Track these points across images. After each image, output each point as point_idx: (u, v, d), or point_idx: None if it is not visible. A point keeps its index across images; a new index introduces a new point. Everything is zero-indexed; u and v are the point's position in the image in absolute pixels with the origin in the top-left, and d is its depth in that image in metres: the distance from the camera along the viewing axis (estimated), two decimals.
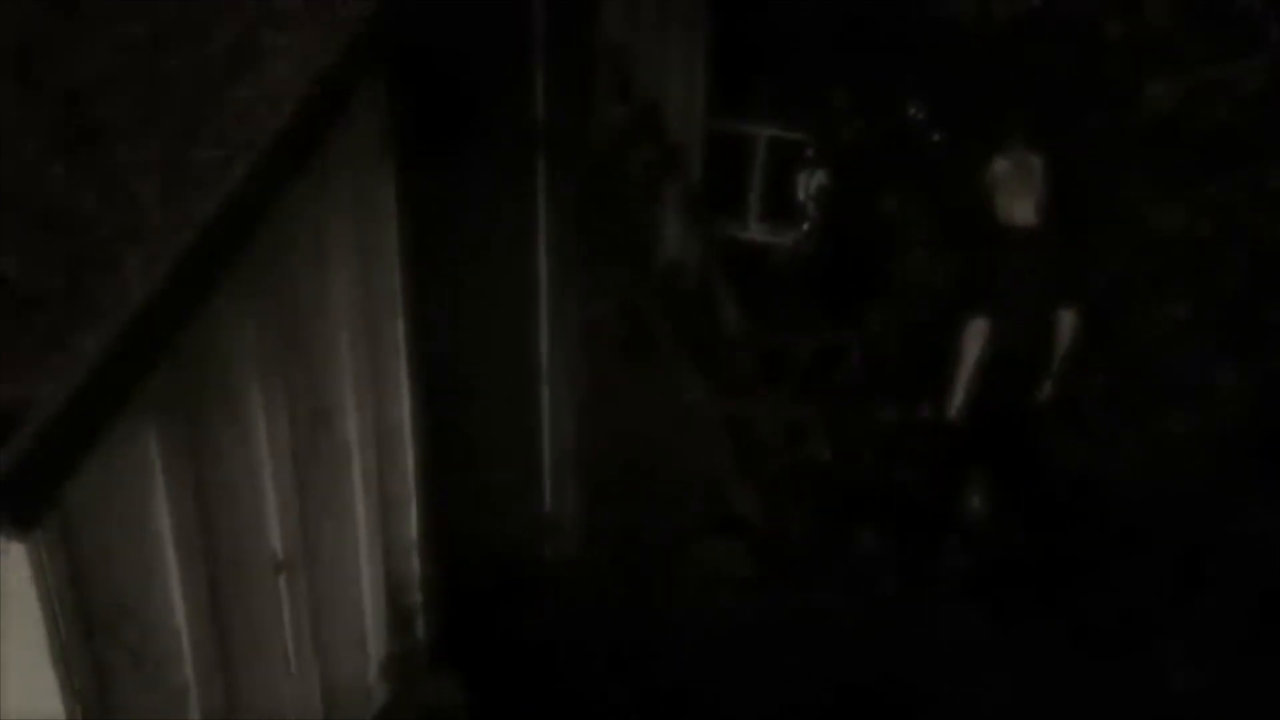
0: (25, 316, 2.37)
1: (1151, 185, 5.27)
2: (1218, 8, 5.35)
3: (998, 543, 4.83)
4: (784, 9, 5.60)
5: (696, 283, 5.33)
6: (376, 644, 3.81)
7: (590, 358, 4.64)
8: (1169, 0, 5.33)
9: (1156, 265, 5.17)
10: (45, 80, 2.68)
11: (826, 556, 4.81)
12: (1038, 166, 5.05)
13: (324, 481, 3.49)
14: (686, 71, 5.33)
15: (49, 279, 2.43)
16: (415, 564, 3.93)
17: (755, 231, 5.77)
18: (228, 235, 2.64)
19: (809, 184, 5.81)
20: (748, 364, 5.27)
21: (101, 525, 2.69)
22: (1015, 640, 4.43)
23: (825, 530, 4.90)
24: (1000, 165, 5.08)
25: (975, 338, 4.97)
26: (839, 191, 5.79)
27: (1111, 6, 5.38)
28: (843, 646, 4.39)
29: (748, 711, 4.20)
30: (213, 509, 3.05)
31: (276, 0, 2.83)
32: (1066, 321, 4.95)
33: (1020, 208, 5.01)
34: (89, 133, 2.59)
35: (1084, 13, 5.48)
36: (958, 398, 5.03)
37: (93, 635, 2.71)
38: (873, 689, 4.28)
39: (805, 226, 5.81)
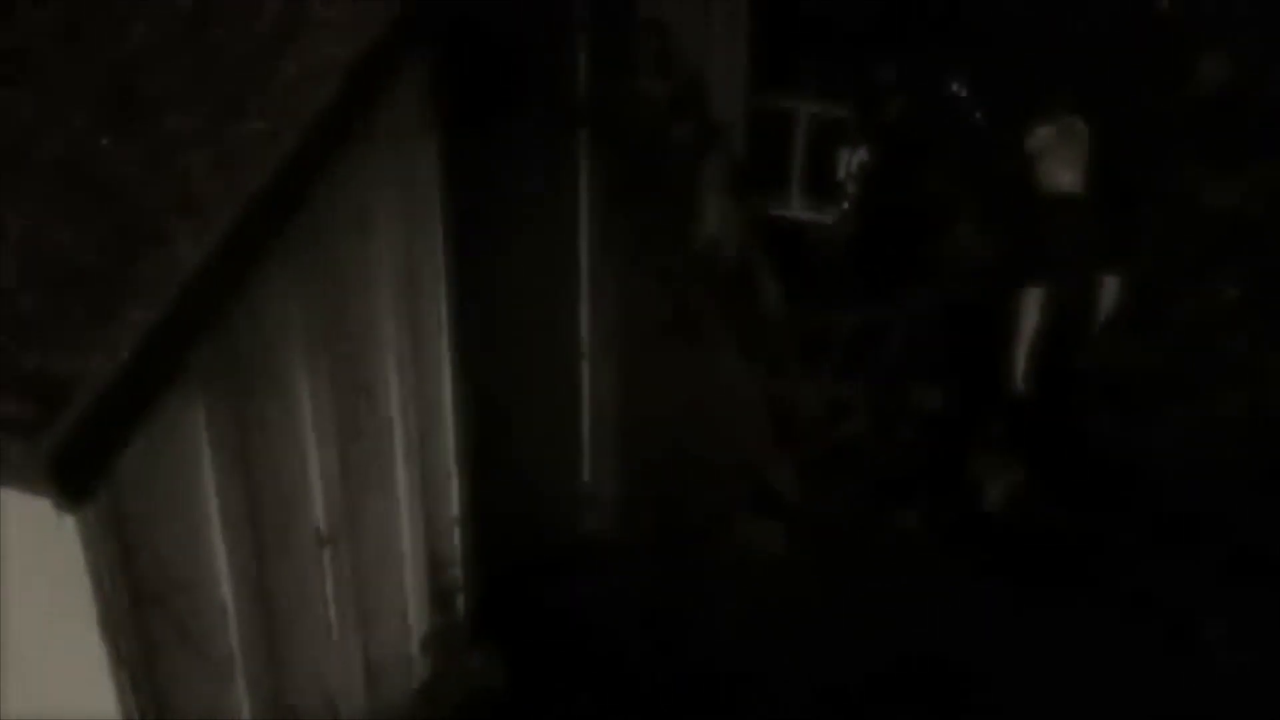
0: (77, 288, 2.38)
1: (1203, 162, 5.19)
2: None
3: (1041, 521, 4.79)
4: None
5: (737, 260, 5.29)
6: (418, 618, 3.83)
7: (630, 334, 4.63)
8: None
9: (1208, 243, 5.09)
10: (94, 52, 2.68)
11: (864, 535, 4.79)
12: (1083, 133, 4.91)
13: (366, 455, 3.50)
14: (729, 46, 5.28)
15: (100, 251, 2.43)
16: (456, 538, 3.94)
17: (797, 209, 5.71)
18: (275, 208, 2.64)
19: (850, 161, 5.75)
20: (788, 342, 5.23)
21: (149, 498, 2.71)
22: (1055, 620, 4.40)
23: (864, 509, 4.87)
24: (1045, 131, 4.93)
25: (1031, 307, 4.83)
26: (881, 168, 5.73)
27: None
28: (880, 625, 4.38)
29: (784, 688, 4.20)
30: (258, 482, 3.06)
31: None
32: (1111, 288, 4.85)
33: (1066, 174, 4.90)
34: (137, 105, 2.59)
35: None
36: (1019, 368, 4.91)
37: (140, 606, 2.74)
38: (910, 668, 4.27)
39: (846, 204, 5.76)
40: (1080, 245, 4.79)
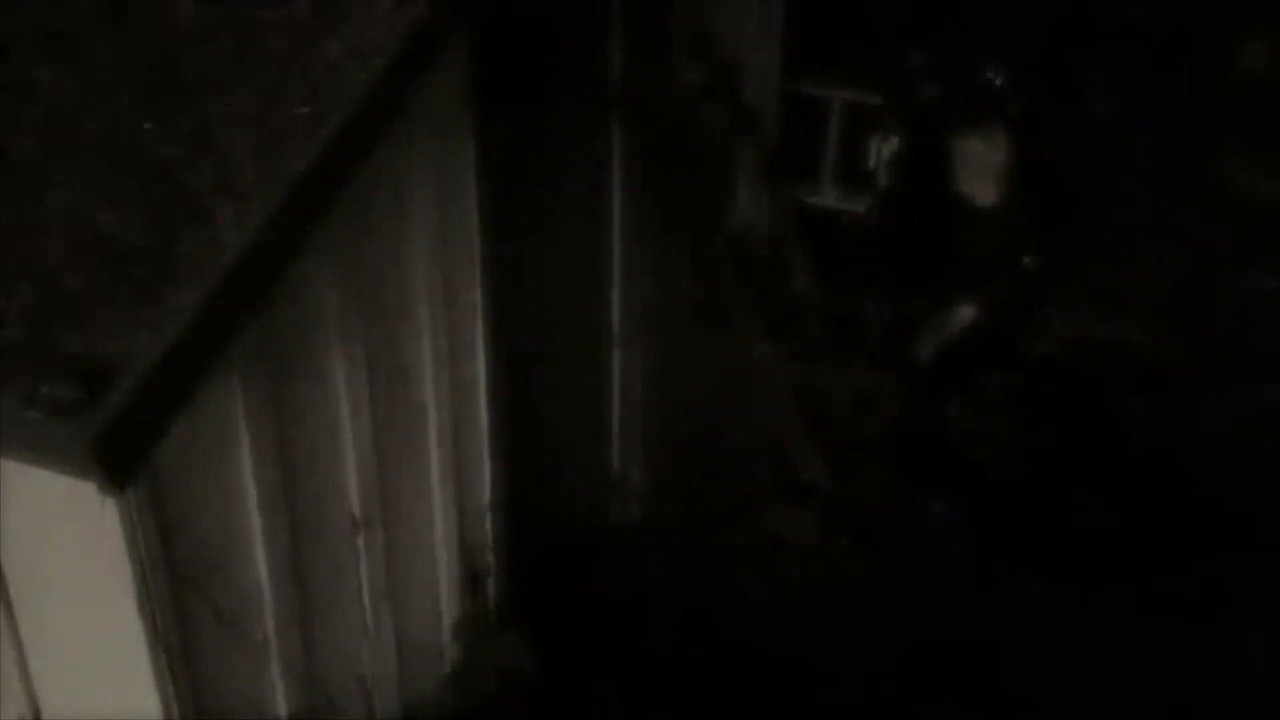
0: (121, 270, 2.38)
1: (1242, 151, 5.13)
2: None
3: (1073, 512, 4.76)
4: None
5: (769, 246, 5.26)
6: (450, 603, 3.83)
7: (662, 320, 4.61)
8: None
9: (1246, 233, 5.05)
10: (137, 33, 2.67)
11: (896, 524, 4.77)
12: (1005, 144, 5.06)
13: (401, 441, 3.49)
14: (763, 32, 5.24)
15: (143, 233, 2.43)
16: (488, 524, 3.94)
17: (828, 197, 5.67)
18: (318, 191, 2.63)
19: (881, 149, 5.71)
20: (819, 330, 5.21)
21: (188, 481, 2.71)
22: (1088, 610, 4.37)
23: (894, 498, 4.85)
24: (970, 143, 5.08)
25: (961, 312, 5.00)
26: (913, 157, 5.68)
27: None
28: (910, 613, 4.37)
29: (814, 675, 4.19)
30: (294, 467, 3.06)
31: None
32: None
33: (987, 184, 5.01)
34: (181, 87, 2.58)
35: None
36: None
37: (178, 588, 2.74)
38: (940, 656, 4.26)
39: (877, 192, 5.72)
40: (1003, 251, 4.87)
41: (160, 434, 2.44)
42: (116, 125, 2.56)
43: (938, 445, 5.02)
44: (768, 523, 4.74)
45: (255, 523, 2.94)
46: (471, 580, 3.87)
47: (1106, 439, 4.93)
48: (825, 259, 5.35)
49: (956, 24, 5.51)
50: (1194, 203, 5.15)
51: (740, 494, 4.75)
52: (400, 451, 3.49)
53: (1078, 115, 5.13)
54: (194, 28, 2.68)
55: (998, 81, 5.69)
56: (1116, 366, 5.04)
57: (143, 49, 2.64)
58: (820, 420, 5.00)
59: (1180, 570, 4.46)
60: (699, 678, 4.10)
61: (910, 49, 5.61)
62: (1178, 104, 5.25)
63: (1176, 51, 5.24)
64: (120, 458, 2.33)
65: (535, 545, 4.07)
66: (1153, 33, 5.27)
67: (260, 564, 2.98)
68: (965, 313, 5.13)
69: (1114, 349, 5.09)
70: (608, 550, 4.38)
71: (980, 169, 5.09)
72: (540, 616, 3.97)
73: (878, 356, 5.25)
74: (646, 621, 4.17)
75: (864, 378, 5.15)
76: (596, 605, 4.13)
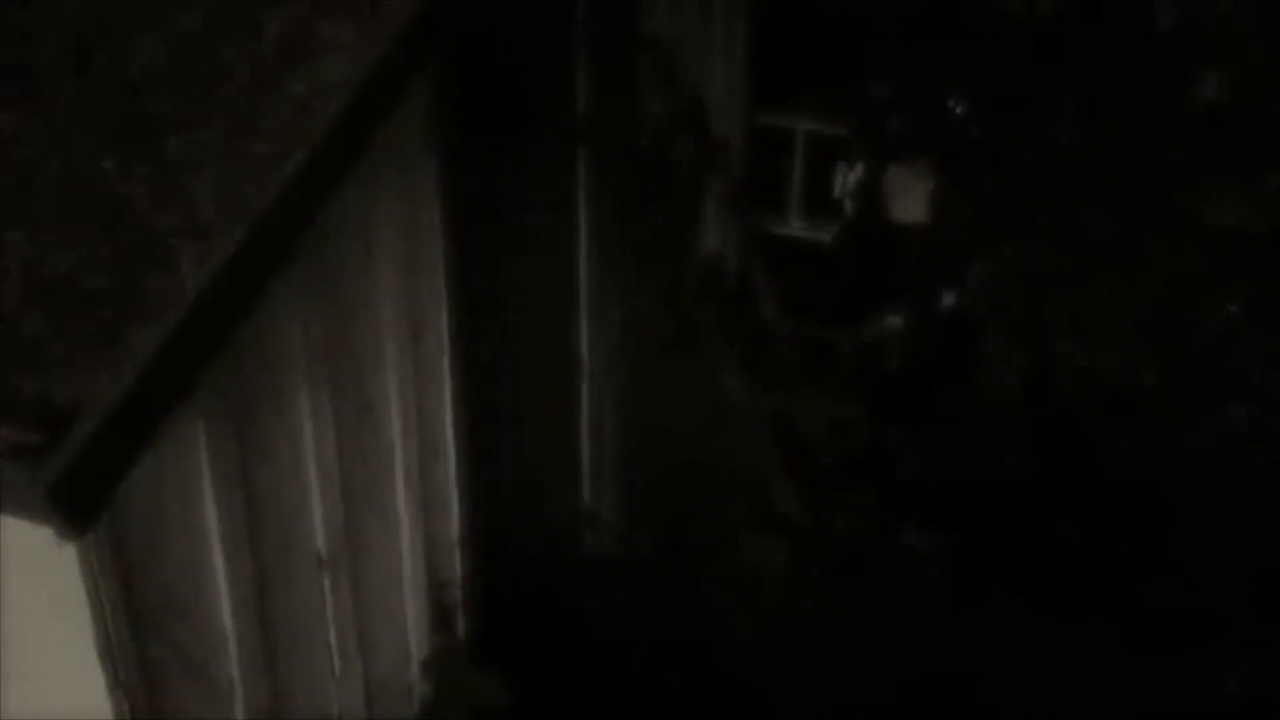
0: (81, 312, 2.35)
1: (1205, 179, 5.20)
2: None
3: (1048, 538, 4.77)
4: (826, 3, 5.54)
5: (738, 277, 5.28)
6: (418, 641, 3.79)
7: (631, 352, 4.60)
8: None
9: (1210, 260, 5.10)
10: (99, 74, 2.65)
11: (871, 553, 4.76)
12: (928, 172, 5.36)
13: (367, 477, 3.46)
14: (728, 64, 5.28)
15: (104, 274, 2.40)
16: (457, 560, 3.90)
17: (795, 227, 5.72)
18: (281, 230, 2.61)
19: (846, 179, 5.77)
20: (790, 359, 5.23)
21: (150, 523, 2.67)
22: (1064, 639, 4.37)
23: (869, 525, 4.85)
24: (895, 173, 5.38)
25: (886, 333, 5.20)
26: (875, 186, 5.74)
27: None
28: (887, 643, 4.35)
29: (790, 707, 4.17)
30: (259, 506, 3.02)
31: None
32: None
33: (913, 209, 5.27)
34: (143, 126, 2.56)
35: (1138, 2, 5.42)
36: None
37: (140, 633, 2.70)
38: (918, 686, 4.25)
39: (843, 221, 5.77)
40: (926, 274, 5.09)
41: (120, 477, 2.41)
42: (78, 165, 2.53)
43: (911, 473, 5.03)
44: (742, 553, 4.73)
45: (219, 564, 2.90)
46: (441, 617, 3.83)
47: (1083, 465, 4.96)
48: (795, 288, 5.38)
49: (918, 56, 5.57)
50: (1160, 231, 5.21)
51: (714, 525, 4.73)
52: (367, 488, 3.46)
53: (1040, 145, 5.18)
54: (157, 67, 2.66)
55: (959, 110, 5.77)
56: (1090, 393, 5.07)
57: (105, 88, 2.62)
58: (793, 449, 5.00)
59: (1158, 596, 4.47)
60: (675, 711, 4.07)
61: (873, 80, 5.68)
62: (1142, 133, 5.32)
63: (1139, 82, 5.32)
64: (78, 504, 2.29)
65: (506, 580, 4.04)
66: (1115, 64, 5.35)
67: (224, 606, 2.93)
68: (891, 321, 5.33)
69: (1086, 376, 5.12)
70: (580, 584, 4.35)
71: (910, 197, 5.29)
72: (511, 652, 3.93)
73: (849, 384, 5.27)
74: (619, 656, 4.14)
75: (836, 406, 5.16)
76: (569, 640, 4.09)
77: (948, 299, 5.45)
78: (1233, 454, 4.80)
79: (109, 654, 2.62)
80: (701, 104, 4.86)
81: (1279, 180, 5.10)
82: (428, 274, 3.54)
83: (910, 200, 5.45)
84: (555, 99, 4.14)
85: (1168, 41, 5.28)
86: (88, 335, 2.34)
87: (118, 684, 2.64)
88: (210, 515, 2.85)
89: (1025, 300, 5.02)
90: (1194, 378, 5.06)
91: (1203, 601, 4.39)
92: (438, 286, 3.59)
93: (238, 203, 2.51)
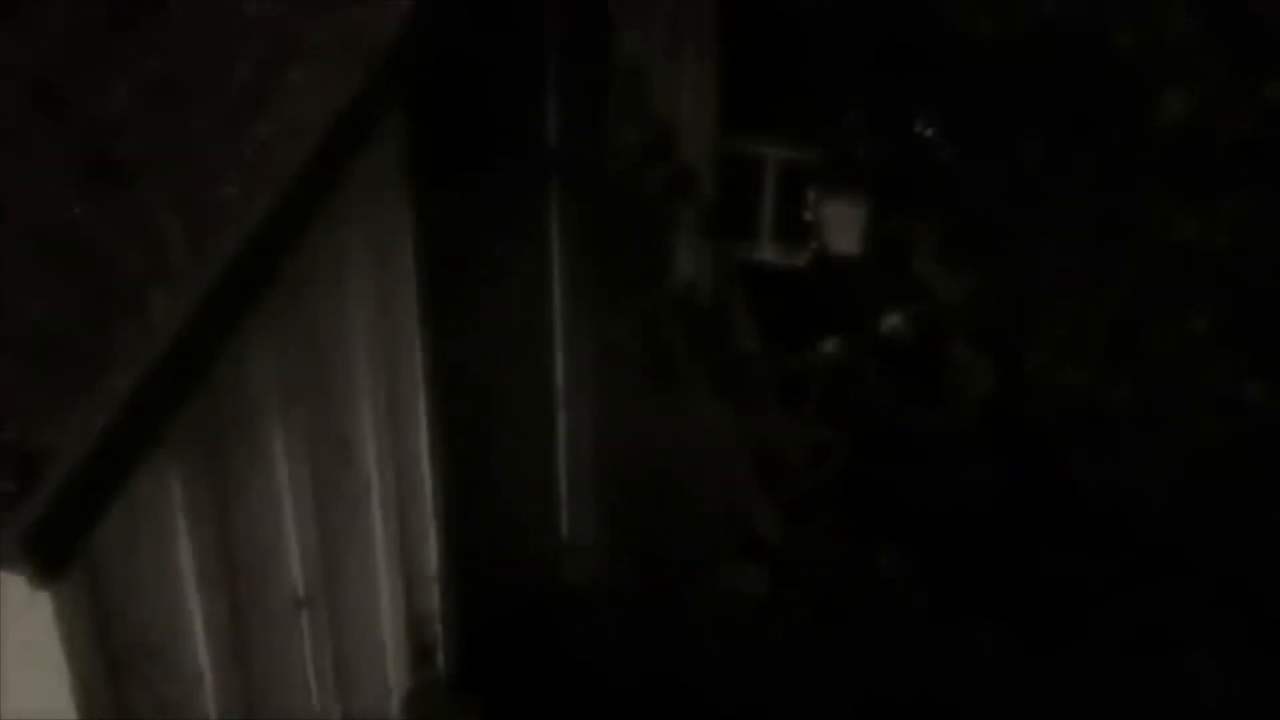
0: (50, 359, 2.34)
1: (1170, 197, 5.27)
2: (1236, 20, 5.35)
3: (1023, 558, 4.80)
4: (795, 31, 5.60)
5: (712, 304, 5.31)
6: (398, 677, 3.77)
7: (607, 381, 4.61)
8: (1186, 11, 5.34)
9: (1174, 277, 5.17)
10: (66, 118, 2.65)
11: (848, 577, 4.78)
12: (863, 202, 5.49)
13: (344, 514, 3.45)
14: (699, 93, 5.31)
15: (73, 321, 2.40)
16: (435, 594, 3.89)
17: (768, 252, 5.76)
18: (252, 272, 2.61)
19: (816, 204, 5.81)
20: (766, 385, 5.25)
21: (124, 566, 2.65)
22: (1039, 659, 4.40)
23: (847, 551, 4.87)
24: (830, 202, 5.50)
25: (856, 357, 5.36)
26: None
27: (1128, 18, 5.40)
28: (866, 667, 4.37)
29: None
30: (234, 546, 3.01)
31: (297, 33, 2.80)
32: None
33: (845, 239, 5.39)
34: (111, 171, 2.56)
35: (1097, 25, 5.49)
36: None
37: (115, 677, 2.68)
38: (896, 709, 4.26)
39: (814, 246, 5.80)
40: (858, 301, 5.27)
41: (93, 525, 2.40)
42: (45, 211, 2.53)
43: (888, 497, 5.06)
44: (722, 580, 4.74)
45: (194, 605, 2.88)
46: (420, 652, 3.82)
47: (1053, 484, 4.99)
48: (769, 313, 5.41)
49: (888, 82, 5.63)
50: (1125, 249, 5.28)
51: (693, 552, 4.74)
52: (344, 525, 3.45)
53: (1006, 165, 5.25)
54: (123, 111, 2.67)
55: (928, 133, 5.83)
56: (1059, 411, 5.11)
57: (71, 135, 2.62)
58: (770, 475, 5.02)
59: (1131, 614, 4.50)
60: None
61: (843, 107, 5.74)
62: (1105, 152, 5.39)
63: (1102, 101, 5.39)
64: (51, 552, 2.28)
65: (486, 613, 4.03)
66: (1080, 85, 5.42)
67: (201, 649, 2.91)
68: (830, 344, 5.46)
69: (1056, 393, 5.17)
70: (560, 615, 4.35)
71: (844, 225, 5.44)
72: (492, 686, 3.92)
73: (824, 409, 5.29)
74: (600, 685, 4.14)
75: (812, 431, 5.19)
76: (549, 671, 4.09)
77: (912, 322, 5.52)
78: (1200, 470, 4.85)
79: (84, 699, 2.60)
80: (672, 132, 4.90)
81: (1240, 196, 5.18)
82: (402, 309, 3.55)
83: (843, 228, 5.51)
84: (526, 131, 4.17)
85: (1129, 61, 5.36)
86: (59, 381, 2.33)
87: None
88: (185, 557, 2.83)
89: (994, 319, 5.07)
90: (1161, 393, 5.11)
91: (1176, 617, 4.42)
92: (412, 322, 3.59)
93: (208, 246, 2.51)
